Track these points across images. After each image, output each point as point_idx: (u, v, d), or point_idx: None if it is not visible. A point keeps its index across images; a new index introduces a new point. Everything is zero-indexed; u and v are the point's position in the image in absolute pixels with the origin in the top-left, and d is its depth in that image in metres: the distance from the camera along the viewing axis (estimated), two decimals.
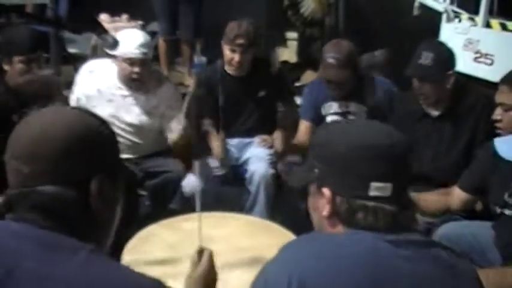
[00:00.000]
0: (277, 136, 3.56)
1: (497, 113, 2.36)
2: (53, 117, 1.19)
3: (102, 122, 1.24)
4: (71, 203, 1.12)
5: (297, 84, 5.21)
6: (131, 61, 3.16)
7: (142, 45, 3.15)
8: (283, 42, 6.20)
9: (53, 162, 1.12)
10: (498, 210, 2.41)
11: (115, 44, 2.75)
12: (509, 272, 2.05)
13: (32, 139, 1.14)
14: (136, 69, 3.17)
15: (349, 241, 1.24)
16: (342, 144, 1.27)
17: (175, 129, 3.38)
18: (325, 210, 1.27)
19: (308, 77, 5.33)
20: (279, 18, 5.94)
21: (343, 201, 1.25)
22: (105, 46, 2.96)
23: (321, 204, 1.29)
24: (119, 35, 3.22)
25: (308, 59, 5.70)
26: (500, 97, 2.35)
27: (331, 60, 3.11)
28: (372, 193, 1.23)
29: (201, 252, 1.75)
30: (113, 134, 1.26)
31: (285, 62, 5.95)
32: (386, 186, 1.23)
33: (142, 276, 1.12)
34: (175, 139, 3.40)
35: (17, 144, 1.16)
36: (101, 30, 2.90)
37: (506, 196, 2.36)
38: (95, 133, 1.19)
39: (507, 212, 2.37)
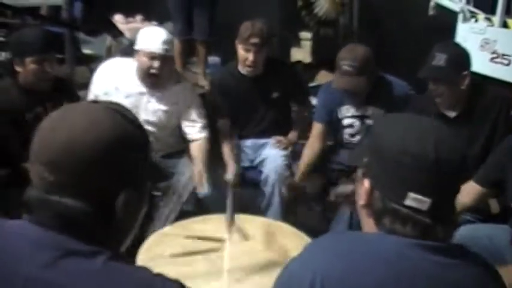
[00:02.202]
0: (292, 136, 3.55)
1: None
2: (82, 121, 1.11)
3: (135, 124, 1.17)
4: (94, 217, 1.08)
5: (312, 84, 5.20)
6: (152, 55, 3.14)
7: (165, 42, 3.14)
8: (297, 42, 6.19)
9: (79, 176, 1.07)
10: None
11: (130, 46, 2.75)
12: None
13: (58, 148, 1.08)
14: (156, 64, 3.16)
15: (376, 242, 1.23)
16: (392, 144, 1.23)
17: (199, 140, 3.37)
18: (362, 200, 1.29)
19: (322, 77, 5.32)
20: (293, 18, 5.94)
21: (379, 199, 1.25)
22: (120, 48, 2.96)
23: (360, 192, 1.30)
24: (143, 30, 3.25)
25: (322, 59, 5.69)
26: None
27: (347, 68, 3.06)
28: (408, 202, 1.20)
29: None
30: (145, 137, 1.20)
31: (299, 62, 5.94)
32: (425, 200, 1.20)
33: (162, 278, 1.10)
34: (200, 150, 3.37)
35: (42, 149, 1.10)
36: (115, 32, 2.91)
37: None
38: (126, 142, 1.13)
39: None
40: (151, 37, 3.15)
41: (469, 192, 2.52)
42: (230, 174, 3.29)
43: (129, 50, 2.78)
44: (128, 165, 1.13)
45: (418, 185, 1.20)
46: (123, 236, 1.19)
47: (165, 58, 3.17)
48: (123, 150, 1.12)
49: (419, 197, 1.19)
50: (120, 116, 1.16)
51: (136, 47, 3.18)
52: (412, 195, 1.20)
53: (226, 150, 3.47)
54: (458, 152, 1.23)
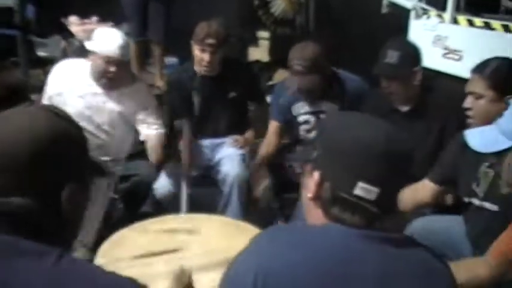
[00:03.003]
0: (249, 135, 3.58)
1: (468, 102, 2.36)
2: (18, 123, 1.14)
3: (70, 122, 1.20)
4: (40, 213, 1.10)
5: (270, 83, 5.22)
6: (108, 60, 3.12)
7: (121, 46, 3.12)
8: (255, 41, 6.20)
9: (19, 175, 1.09)
10: (466, 200, 2.44)
11: (81, 47, 2.73)
12: (478, 263, 2.07)
13: None
14: (111, 68, 3.14)
15: (322, 234, 1.25)
16: (340, 136, 1.27)
17: (154, 137, 3.35)
18: (310, 192, 1.29)
19: (280, 76, 5.34)
20: (250, 18, 5.94)
21: (328, 189, 1.26)
22: (72, 50, 2.93)
23: (309, 185, 1.30)
24: (99, 32, 3.21)
25: (280, 58, 5.70)
26: (471, 86, 2.36)
27: (297, 67, 3.09)
28: (357, 192, 1.22)
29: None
30: (81, 133, 1.23)
31: (257, 62, 5.95)
32: (373, 189, 1.22)
33: (115, 275, 1.11)
34: (155, 146, 3.36)
35: None
36: (67, 34, 2.87)
37: (474, 186, 2.39)
38: (63, 139, 1.15)
39: (475, 201, 2.39)
40: (107, 41, 3.12)
41: (425, 190, 2.57)
42: (185, 166, 3.31)
43: (80, 52, 2.75)
44: (66, 160, 1.15)
45: (367, 175, 1.22)
46: (72, 230, 1.20)
47: (120, 62, 3.15)
48: (60, 147, 1.14)
49: (368, 186, 1.22)
50: (54, 114, 1.19)
51: (92, 48, 3.15)
52: (361, 184, 1.22)
53: (184, 149, 3.45)
54: (408, 145, 1.27)
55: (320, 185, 1.28)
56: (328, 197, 1.26)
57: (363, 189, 1.22)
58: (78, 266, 1.09)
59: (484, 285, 2.01)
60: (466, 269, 2.02)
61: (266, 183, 3.34)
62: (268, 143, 3.44)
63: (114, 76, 3.15)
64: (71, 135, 1.18)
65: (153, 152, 3.30)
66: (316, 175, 1.29)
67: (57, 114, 1.19)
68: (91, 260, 2.29)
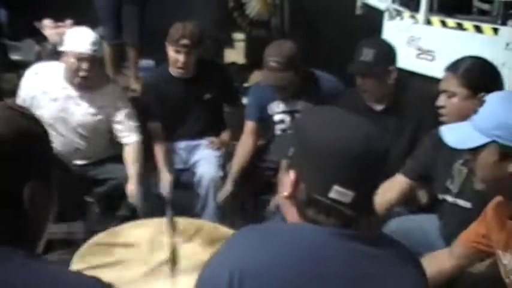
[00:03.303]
0: (225, 136, 3.57)
1: (441, 100, 2.38)
2: None
3: (31, 118, 1.18)
4: (3, 214, 1.08)
5: (245, 85, 5.21)
6: (80, 57, 3.09)
7: (93, 43, 3.09)
8: (230, 43, 6.20)
9: None
10: (440, 197, 2.46)
11: (54, 50, 2.70)
12: (442, 255, 2.09)
13: None
14: (84, 65, 3.10)
15: (296, 233, 1.24)
16: (317, 137, 1.24)
17: (131, 144, 3.32)
18: (286, 191, 1.28)
19: (256, 77, 5.33)
20: (226, 20, 5.95)
21: (304, 190, 1.25)
22: (45, 53, 2.91)
23: (285, 183, 1.29)
24: (71, 31, 3.18)
25: (256, 59, 5.71)
26: (444, 84, 2.38)
27: (273, 64, 3.09)
28: (332, 195, 1.21)
29: None
30: (43, 132, 1.21)
31: (233, 64, 5.95)
32: (348, 193, 1.21)
33: (80, 274, 1.11)
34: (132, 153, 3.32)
35: None
36: (41, 37, 2.85)
37: (448, 183, 2.41)
38: (23, 136, 1.13)
39: (449, 198, 2.42)
40: (79, 38, 3.10)
41: (397, 185, 2.58)
42: (165, 188, 3.29)
43: (53, 55, 2.73)
44: (28, 158, 1.13)
45: (342, 178, 1.21)
46: (36, 231, 1.18)
47: (93, 59, 3.12)
48: (22, 145, 1.12)
49: (343, 190, 1.21)
50: (14, 111, 1.17)
51: (64, 48, 3.13)
52: (336, 188, 1.21)
53: (159, 154, 3.44)
54: (383, 147, 1.25)
55: (296, 185, 1.27)
56: (303, 198, 1.25)
57: (338, 193, 1.21)
58: (42, 267, 1.09)
59: (449, 276, 2.04)
60: (431, 262, 2.04)
61: (228, 189, 3.33)
62: (244, 143, 3.43)
63: (87, 74, 3.13)
64: (31, 132, 1.16)
65: (132, 164, 3.27)
66: (292, 174, 1.27)
67: (18, 111, 1.17)
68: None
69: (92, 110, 3.26)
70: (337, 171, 1.21)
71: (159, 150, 3.43)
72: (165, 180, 3.34)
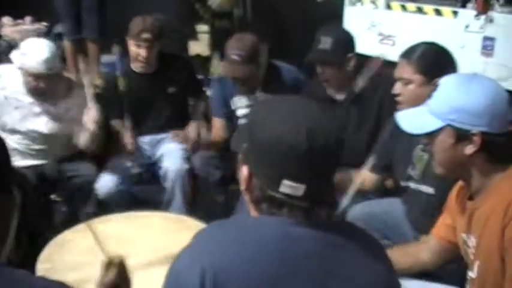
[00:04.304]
0: (191, 128, 3.55)
1: (397, 88, 2.39)
2: None
3: None
4: None
5: (210, 77, 5.20)
6: (36, 76, 3.05)
7: (48, 61, 3.03)
8: (194, 35, 6.16)
9: None
10: (403, 184, 2.49)
11: (9, 49, 2.66)
12: (419, 248, 2.11)
13: None
14: (41, 84, 3.07)
15: (260, 225, 1.25)
16: (263, 134, 1.24)
17: (85, 135, 3.29)
18: (243, 185, 1.29)
19: (218, 69, 5.33)
20: (189, 12, 5.91)
21: (257, 185, 1.25)
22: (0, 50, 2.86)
23: (241, 177, 1.29)
24: (24, 46, 3.11)
25: (220, 51, 5.70)
26: (399, 72, 2.39)
27: (234, 57, 3.08)
28: (283, 189, 1.21)
29: (110, 263, 1.69)
30: (2, 143, 1.19)
31: (197, 56, 5.93)
32: (299, 186, 1.21)
33: (46, 280, 1.10)
34: (85, 145, 3.31)
35: None
36: None
37: (409, 170, 2.44)
38: None
39: (412, 185, 2.44)
40: (33, 56, 3.03)
41: (366, 180, 2.60)
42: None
43: (8, 52, 2.68)
44: None
45: (291, 173, 1.21)
46: None
47: (49, 77, 3.08)
48: None
49: (293, 184, 1.21)
50: None
51: (19, 65, 3.08)
52: (286, 182, 1.21)
53: (127, 142, 3.43)
54: (332, 138, 1.24)
55: (249, 180, 1.27)
56: (258, 193, 1.25)
57: (288, 187, 1.21)
58: (5, 273, 1.07)
59: (427, 269, 2.06)
60: (407, 254, 2.06)
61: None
62: (214, 138, 3.42)
63: (45, 91, 3.10)
64: None
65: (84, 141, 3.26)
66: (245, 170, 1.28)
67: None
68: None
69: (54, 118, 3.24)
70: (284, 165, 1.21)
71: (124, 136, 3.43)
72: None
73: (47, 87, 3.09)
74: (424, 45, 2.41)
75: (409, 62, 2.34)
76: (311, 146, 1.19)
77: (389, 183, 2.85)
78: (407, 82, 2.34)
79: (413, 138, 2.28)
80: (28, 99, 3.19)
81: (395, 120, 1.86)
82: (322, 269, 1.22)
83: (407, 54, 2.38)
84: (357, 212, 2.61)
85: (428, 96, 1.73)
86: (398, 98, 2.38)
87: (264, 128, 1.25)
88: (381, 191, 2.81)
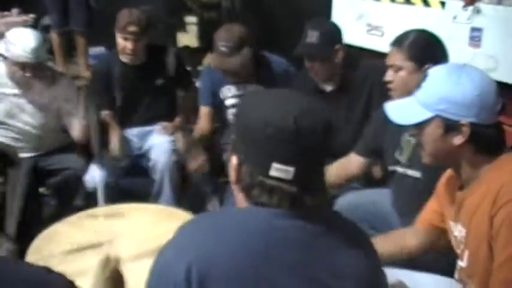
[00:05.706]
0: (178, 137, 3.51)
1: (389, 75, 2.39)
2: None
3: None
4: None
5: (200, 68, 5.19)
6: (23, 65, 3.03)
7: (35, 50, 3.02)
8: (183, 27, 6.14)
9: None
10: (391, 168, 2.50)
11: None
12: (405, 234, 2.12)
13: None
14: (28, 73, 3.06)
15: (246, 216, 1.25)
16: (250, 117, 1.25)
17: (78, 128, 3.28)
18: (232, 176, 1.30)
19: (208, 60, 5.31)
20: (177, 3, 5.89)
21: (247, 173, 1.26)
22: None
23: (231, 168, 1.30)
24: (10, 35, 3.09)
25: (209, 42, 5.68)
26: (390, 59, 2.39)
27: (223, 49, 3.07)
28: (272, 173, 1.22)
29: (105, 264, 1.70)
30: None
31: (186, 47, 5.91)
32: (288, 169, 1.21)
33: (46, 271, 1.09)
34: (79, 137, 3.29)
35: None
36: None
37: (397, 154, 2.45)
38: None
39: (399, 169, 2.45)
40: (20, 45, 3.02)
41: (353, 164, 2.64)
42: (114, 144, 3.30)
43: None
44: None
45: (280, 155, 1.21)
46: None
47: (36, 66, 3.07)
48: None
49: (283, 166, 1.21)
50: None
51: (5, 53, 3.06)
52: (275, 165, 1.21)
53: (114, 138, 3.40)
54: (320, 122, 1.24)
55: (238, 169, 1.27)
56: (248, 181, 1.26)
57: (278, 170, 1.21)
58: (8, 265, 1.08)
59: (413, 256, 2.07)
60: (394, 241, 2.07)
61: (203, 158, 3.31)
62: (200, 128, 3.41)
63: (31, 80, 3.08)
64: None
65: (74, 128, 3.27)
66: (234, 159, 1.28)
67: None
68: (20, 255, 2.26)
69: (40, 108, 3.24)
70: (273, 148, 1.21)
71: (111, 132, 3.39)
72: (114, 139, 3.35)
73: (32, 77, 3.08)
74: (415, 32, 2.42)
75: (400, 49, 2.34)
76: (298, 127, 1.20)
77: (376, 171, 2.86)
78: (399, 69, 2.35)
79: (402, 126, 2.29)
80: (12, 90, 3.17)
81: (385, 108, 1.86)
82: (304, 258, 1.22)
83: (398, 41, 2.39)
84: (344, 203, 2.62)
85: (419, 83, 1.73)
86: (390, 85, 2.39)
87: (251, 113, 1.26)
88: (366, 177, 2.83)
